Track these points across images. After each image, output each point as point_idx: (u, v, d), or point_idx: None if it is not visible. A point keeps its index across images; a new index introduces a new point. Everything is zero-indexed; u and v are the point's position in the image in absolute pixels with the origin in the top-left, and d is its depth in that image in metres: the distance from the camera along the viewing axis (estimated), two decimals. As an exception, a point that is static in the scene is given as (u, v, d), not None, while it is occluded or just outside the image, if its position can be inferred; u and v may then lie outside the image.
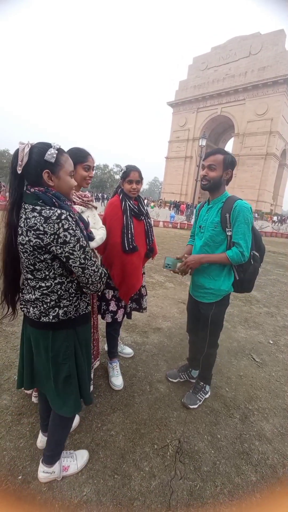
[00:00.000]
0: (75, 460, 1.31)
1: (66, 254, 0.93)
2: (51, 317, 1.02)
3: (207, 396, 1.90)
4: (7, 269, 1.02)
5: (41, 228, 0.88)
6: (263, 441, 1.62)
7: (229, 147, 44.37)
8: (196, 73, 41.21)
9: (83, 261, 0.96)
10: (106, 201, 27.82)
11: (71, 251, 0.93)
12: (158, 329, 2.88)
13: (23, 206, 0.95)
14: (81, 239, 0.95)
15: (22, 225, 0.92)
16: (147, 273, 4.79)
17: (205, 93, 38.71)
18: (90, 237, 1.16)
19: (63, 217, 0.90)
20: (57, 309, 1.03)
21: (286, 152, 37.00)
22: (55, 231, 0.89)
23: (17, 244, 0.96)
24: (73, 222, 0.93)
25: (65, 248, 0.92)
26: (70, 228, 0.91)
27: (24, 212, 0.93)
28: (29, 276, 1.00)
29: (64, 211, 0.92)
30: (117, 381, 1.91)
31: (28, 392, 1.69)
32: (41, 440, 1.39)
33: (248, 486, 1.34)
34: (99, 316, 1.86)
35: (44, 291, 1.00)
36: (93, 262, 1.00)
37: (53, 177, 0.97)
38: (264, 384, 2.19)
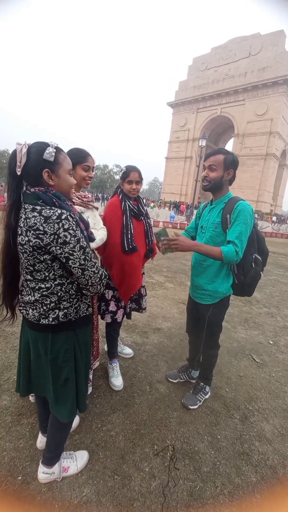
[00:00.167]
0: (75, 461, 1.31)
1: (66, 254, 0.92)
2: (50, 319, 1.01)
3: (207, 396, 1.90)
4: (5, 270, 1.01)
5: (41, 228, 0.87)
6: (263, 442, 1.62)
7: (229, 147, 44.41)
8: (196, 74, 41.24)
9: (83, 262, 0.95)
10: (105, 201, 27.80)
11: (71, 252, 0.92)
12: (158, 329, 2.88)
13: (23, 206, 0.94)
14: (81, 240, 0.94)
15: (22, 225, 0.91)
16: (147, 273, 4.80)
17: (205, 94, 38.74)
18: (91, 238, 1.15)
19: (63, 217, 0.89)
20: (57, 311, 1.01)
21: (286, 152, 37.02)
22: (55, 231, 0.88)
23: (16, 245, 0.95)
24: (74, 222, 0.92)
25: (65, 248, 0.90)
26: (71, 228, 0.90)
27: (24, 212, 0.92)
28: (29, 277, 0.98)
29: (64, 211, 0.91)
30: (117, 381, 1.91)
31: None
32: (41, 441, 1.38)
33: (248, 487, 1.34)
34: (99, 317, 1.86)
35: (44, 293, 0.99)
36: (93, 264, 0.98)
37: (53, 176, 0.96)
38: (264, 384, 2.18)
